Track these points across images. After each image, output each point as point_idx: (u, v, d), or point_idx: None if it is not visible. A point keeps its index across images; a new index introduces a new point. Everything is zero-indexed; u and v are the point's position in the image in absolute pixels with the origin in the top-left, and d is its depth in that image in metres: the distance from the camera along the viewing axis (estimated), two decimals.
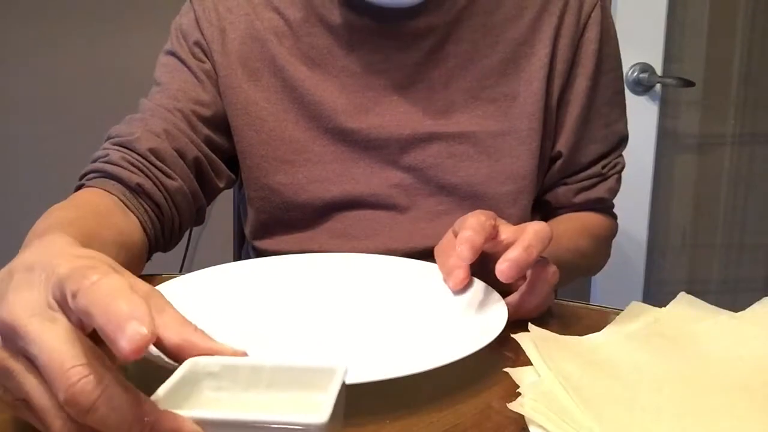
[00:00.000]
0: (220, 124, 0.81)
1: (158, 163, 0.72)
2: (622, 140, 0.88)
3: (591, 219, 0.86)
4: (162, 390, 0.37)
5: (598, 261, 0.89)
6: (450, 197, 0.80)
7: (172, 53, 0.82)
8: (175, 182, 0.73)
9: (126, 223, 0.67)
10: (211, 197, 0.82)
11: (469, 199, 0.79)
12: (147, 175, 0.71)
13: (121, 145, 0.72)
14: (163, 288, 0.59)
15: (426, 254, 0.76)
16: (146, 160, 0.71)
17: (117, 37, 1.44)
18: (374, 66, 0.79)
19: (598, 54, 0.81)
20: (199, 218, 0.80)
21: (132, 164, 0.70)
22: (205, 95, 0.80)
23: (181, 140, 0.75)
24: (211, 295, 0.60)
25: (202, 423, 0.35)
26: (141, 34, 1.43)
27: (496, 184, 0.79)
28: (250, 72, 0.80)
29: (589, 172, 0.85)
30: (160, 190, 0.72)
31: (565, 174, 0.85)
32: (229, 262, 0.69)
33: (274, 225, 0.83)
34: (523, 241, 0.53)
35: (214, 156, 0.80)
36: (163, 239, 0.74)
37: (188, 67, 0.81)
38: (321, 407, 0.35)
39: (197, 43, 0.81)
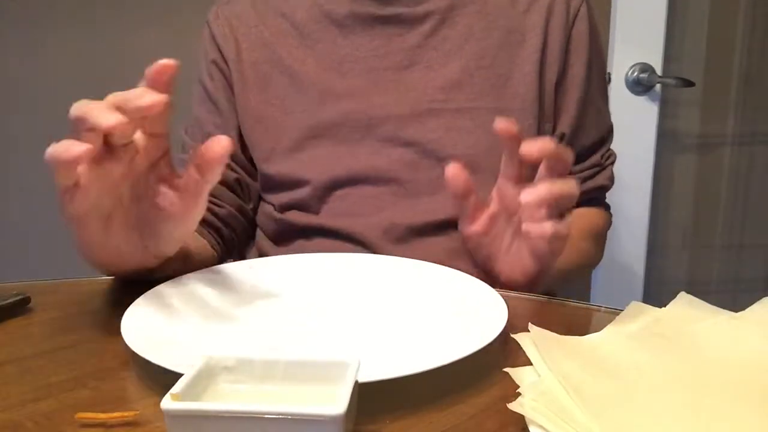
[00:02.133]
0: (241, 134, 0.89)
1: (208, 197, 0.78)
2: (611, 130, 0.94)
3: (590, 217, 0.91)
4: (179, 385, 0.38)
5: (597, 258, 0.93)
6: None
7: (200, 80, 0.91)
8: (224, 209, 0.86)
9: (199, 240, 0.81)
10: (257, 200, 0.91)
11: (468, 171, 0.81)
12: None
13: None
14: (164, 288, 0.59)
15: (428, 228, 0.81)
16: None
17: (118, 37, 1.44)
18: (376, 51, 0.84)
19: (589, 45, 0.87)
20: (252, 222, 0.92)
21: None
22: (223, 117, 0.88)
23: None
24: (211, 294, 0.61)
25: (220, 415, 0.36)
26: (143, 34, 1.43)
27: (494, 156, 0.80)
28: (261, 76, 0.87)
29: (590, 161, 0.90)
30: (216, 217, 0.85)
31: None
32: (229, 262, 0.69)
33: (280, 205, 0.87)
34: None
35: (249, 166, 0.89)
36: (228, 251, 0.88)
37: (209, 93, 0.89)
38: (337, 399, 0.36)
39: (214, 62, 0.89)
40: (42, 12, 1.44)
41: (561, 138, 0.87)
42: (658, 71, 1.45)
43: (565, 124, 0.87)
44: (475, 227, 0.68)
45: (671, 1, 1.43)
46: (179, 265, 0.66)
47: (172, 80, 0.53)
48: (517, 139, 0.61)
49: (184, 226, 0.58)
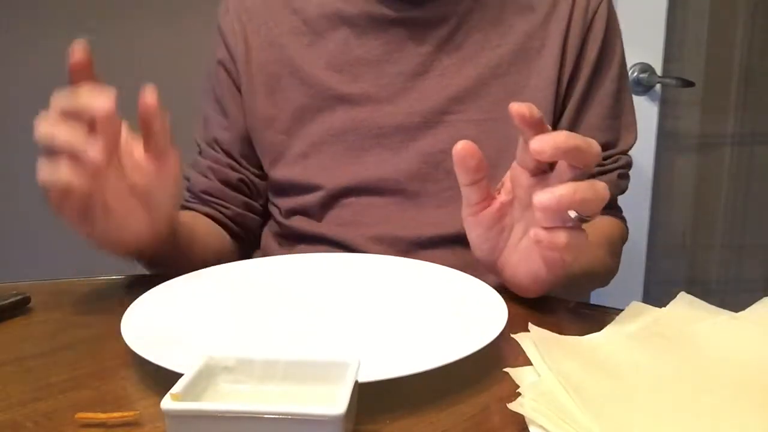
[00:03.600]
0: (249, 136, 0.89)
1: (213, 199, 0.87)
2: (630, 137, 0.88)
3: (609, 226, 0.86)
4: (179, 385, 0.38)
5: (613, 271, 0.88)
6: (458, 183, 0.80)
7: (212, 76, 0.90)
8: (229, 210, 0.87)
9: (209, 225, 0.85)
10: (266, 198, 0.92)
11: None
12: (210, 207, 0.87)
13: (186, 189, 0.88)
14: (165, 287, 0.59)
15: (433, 241, 0.80)
16: (203, 199, 0.87)
17: (121, 37, 1.44)
18: (388, 55, 0.82)
19: (602, 44, 0.84)
20: (260, 220, 0.92)
21: (196, 201, 0.87)
22: (229, 119, 0.88)
23: (223, 172, 0.87)
24: (211, 294, 0.61)
25: (220, 415, 0.36)
26: (144, 35, 1.43)
27: (505, 167, 0.79)
28: (270, 76, 0.85)
29: None
30: (224, 217, 0.87)
31: None
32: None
33: (285, 209, 0.86)
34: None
35: (256, 168, 0.89)
36: (244, 246, 0.90)
37: (215, 93, 0.89)
38: (337, 399, 0.36)
39: (221, 62, 0.88)
40: (45, 11, 1.44)
41: None
42: (658, 71, 1.45)
43: (562, 124, 0.84)
44: (480, 217, 0.60)
45: (671, 1, 1.43)
46: (185, 239, 0.71)
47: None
48: (532, 126, 0.54)
49: (165, 176, 0.62)
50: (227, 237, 0.87)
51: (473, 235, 0.62)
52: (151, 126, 0.59)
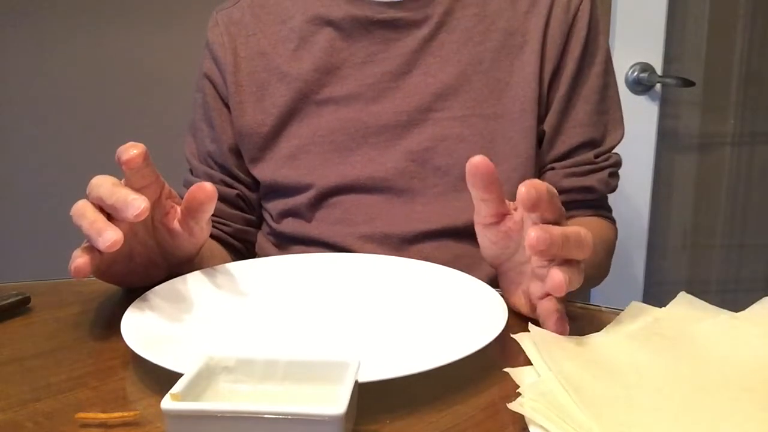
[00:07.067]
0: (237, 148, 0.89)
1: (213, 218, 0.85)
2: (617, 133, 0.87)
3: (603, 228, 0.86)
4: (179, 385, 0.38)
5: (605, 272, 0.89)
6: (445, 179, 0.82)
7: (200, 89, 0.91)
8: (229, 227, 0.89)
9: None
10: (260, 210, 0.92)
11: (463, 180, 0.78)
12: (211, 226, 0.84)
13: None
14: (165, 287, 0.59)
15: (422, 237, 0.80)
16: None
17: (121, 39, 1.44)
18: (373, 56, 0.83)
19: (585, 41, 0.84)
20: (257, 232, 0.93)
21: None
22: (216, 132, 0.88)
23: (219, 189, 0.84)
24: (211, 294, 0.61)
25: (220, 415, 0.36)
26: (145, 33, 1.43)
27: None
28: (258, 84, 0.86)
29: (579, 158, 0.85)
30: (225, 234, 0.88)
31: (553, 156, 0.85)
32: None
33: (276, 213, 0.87)
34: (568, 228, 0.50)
35: (248, 179, 0.89)
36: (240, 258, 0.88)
37: (206, 104, 0.89)
38: (337, 399, 0.36)
39: (206, 76, 0.89)
40: (45, 14, 1.44)
41: (543, 135, 0.84)
42: (658, 71, 1.46)
43: (547, 122, 0.84)
44: (487, 229, 0.57)
45: (671, 1, 1.43)
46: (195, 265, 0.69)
47: (145, 162, 0.55)
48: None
49: (193, 243, 0.63)
50: (229, 257, 0.88)
51: (480, 239, 0.59)
52: (198, 214, 0.60)
